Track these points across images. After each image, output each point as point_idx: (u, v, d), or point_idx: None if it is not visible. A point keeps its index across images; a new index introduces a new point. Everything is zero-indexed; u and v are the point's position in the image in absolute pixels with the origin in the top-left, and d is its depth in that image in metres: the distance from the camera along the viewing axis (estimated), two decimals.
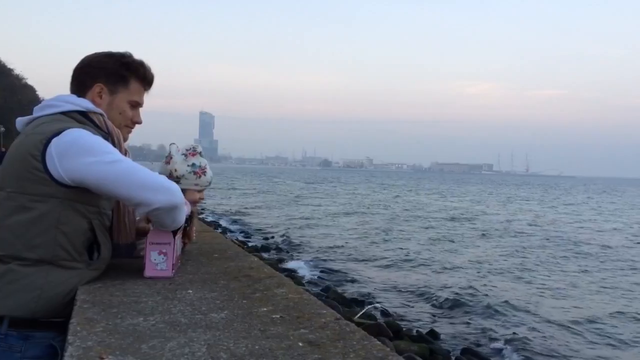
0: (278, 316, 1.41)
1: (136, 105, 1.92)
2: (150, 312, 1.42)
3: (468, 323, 9.24)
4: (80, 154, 1.56)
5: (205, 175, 2.13)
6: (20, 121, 1.76)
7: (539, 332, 8.86)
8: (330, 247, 16.77)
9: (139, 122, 1.95)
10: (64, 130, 1.59)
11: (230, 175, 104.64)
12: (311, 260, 14.59)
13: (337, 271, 13.15)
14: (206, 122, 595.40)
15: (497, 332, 8.76)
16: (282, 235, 19.03)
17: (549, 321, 9.49)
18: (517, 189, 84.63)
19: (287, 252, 15.80)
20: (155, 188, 1.62)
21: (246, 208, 30.07)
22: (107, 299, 1.54)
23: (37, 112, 1.74)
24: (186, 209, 1.81)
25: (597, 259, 16.73)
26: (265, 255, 14.10)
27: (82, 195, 1.62)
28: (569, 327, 9.24)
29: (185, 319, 1.37)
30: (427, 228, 23.40)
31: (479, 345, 8.19)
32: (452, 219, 28.16)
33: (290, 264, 13.56)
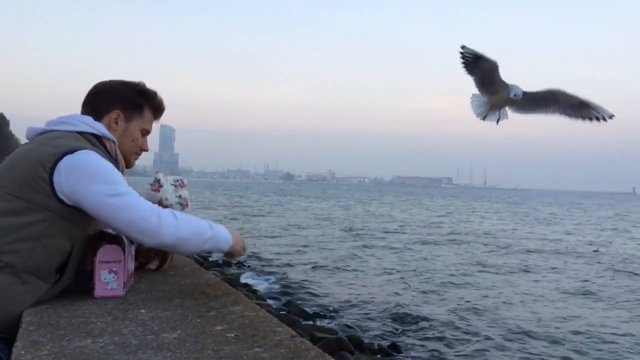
0: (232, 335, 1.39)
1: (146, 133, 1.98)
2: (99, 333, 1.38)
3: (430, 336, 9.33)
4: (86, 177, 1.58)
5: (188, 207, 2.21)
6: (32, 129, 1.77)
7: (499, 342, 9.02)
8: (291, 259, 16.71)
9: (146, 150, 2.01)
10: (78, 150, 1.61)
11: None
12: (271, 274, 14.49)
13: (298, 284, 13.08)
14: (167, 135, 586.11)
15: (459, 344, 8.88)
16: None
17: (509, 330, 9.69)
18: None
19: (249, 266, 15.64)
20: (146, 231, 1.63)
21: None
22: (55, 320, 1.48)
23: (52, 125, 1.76)
24: None
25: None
26: (224, 270, 13.89)
27: (74, 215, 1.62)
28: (531, 334, 9.44)
29: (136, 339, 1.33)
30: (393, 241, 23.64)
31: (441, 358, 8.27)
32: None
33: (250, 279, 13.42)
